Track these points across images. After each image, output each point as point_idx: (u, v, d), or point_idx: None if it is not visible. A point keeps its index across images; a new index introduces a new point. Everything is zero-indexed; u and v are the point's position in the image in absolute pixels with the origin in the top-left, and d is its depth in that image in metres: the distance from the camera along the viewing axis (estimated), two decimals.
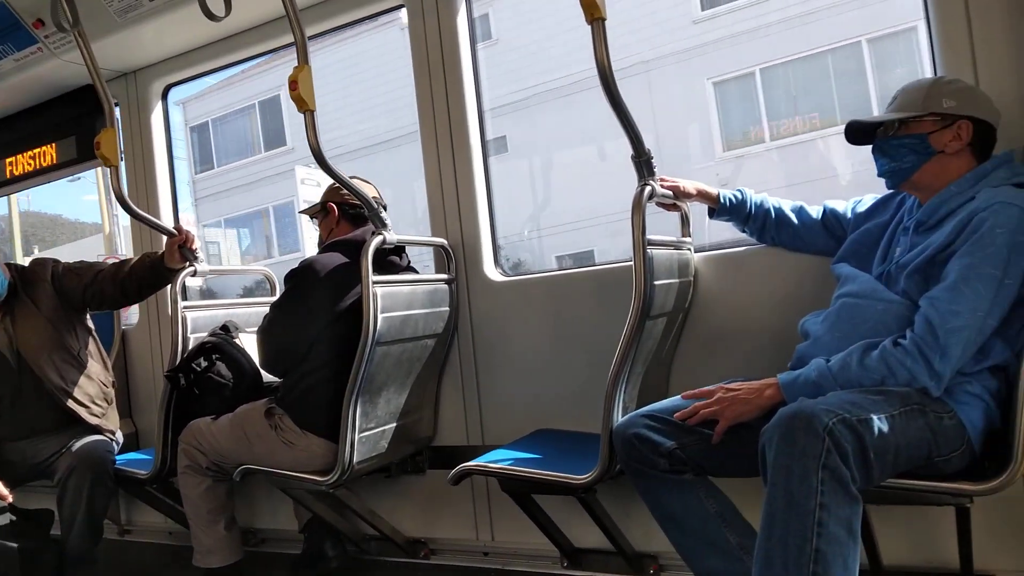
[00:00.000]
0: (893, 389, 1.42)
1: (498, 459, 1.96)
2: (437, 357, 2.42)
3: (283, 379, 2.25)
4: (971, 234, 1.41)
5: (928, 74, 1.92)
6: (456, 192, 2.49)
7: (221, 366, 2.34)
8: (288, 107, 14.41)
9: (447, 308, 2.38)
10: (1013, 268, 1.39)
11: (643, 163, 1.79)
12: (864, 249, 1.73)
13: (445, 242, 2.45)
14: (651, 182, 1.78)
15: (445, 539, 2.53)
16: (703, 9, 10.97)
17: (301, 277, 2.16)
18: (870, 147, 1.67)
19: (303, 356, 2.15)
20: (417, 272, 2.38)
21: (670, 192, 1.93)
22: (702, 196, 1.98)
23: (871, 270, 1.67)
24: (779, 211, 1.94)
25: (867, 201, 1.82)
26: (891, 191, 1.73)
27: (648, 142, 1.79)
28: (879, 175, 1.66)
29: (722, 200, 1.96)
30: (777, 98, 10.45)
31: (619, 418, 1.73)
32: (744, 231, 2.01)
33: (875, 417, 1.32)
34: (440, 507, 2.53)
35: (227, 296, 4.49)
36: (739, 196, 1.96)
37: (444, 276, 2.41)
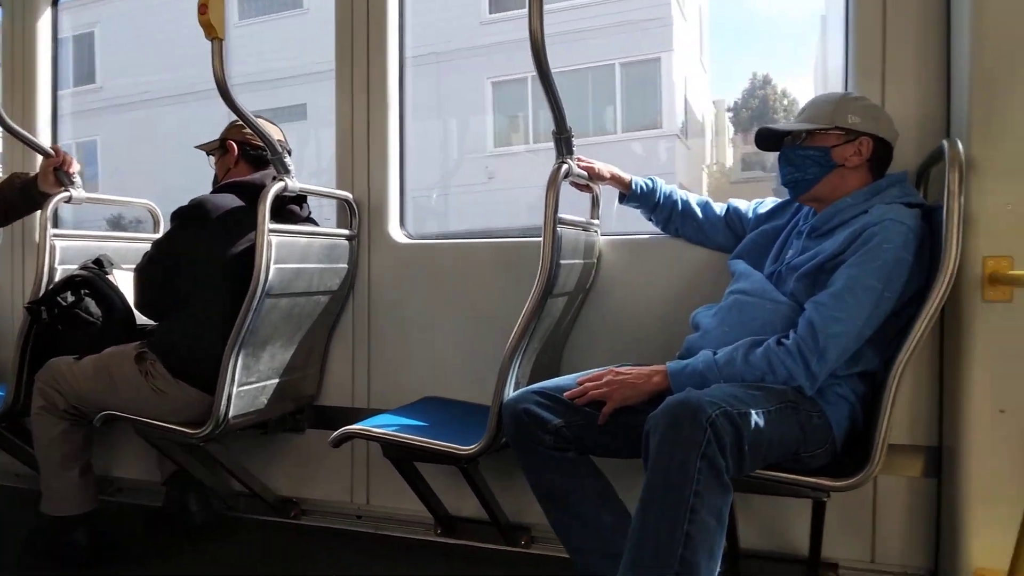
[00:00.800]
0: (772, 386, 1.49)
1: (383, 424, 1.93)
2: (329, 315, 2.34)
3: (158, 322, 2.11)
4: (861, 246, 1.49)
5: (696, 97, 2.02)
6: (367, 145, 2.39)
7: (90, 302, 2.18)
8: (102, 45, 13.94)
9: (345, 265, 2.30)
10: (894, 283, 1.48)
11: (563, 140, 1.77)
12: (759, 248, 1.81)
13: (350, 196, 2.36)
14: (568, 160, 1.77)
15: (318, 500, 2.48)
16: (491, 12, 11.80)
17: (190, 216, 2.02)
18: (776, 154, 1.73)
19: (183, 300, 2.03)
20: (317, 224, 2.28)
21: (585, 173, 1.93)
22: (615, 180, 2.00)
23: (764, 269, 1.74)
24: (686, 204, 1.98)
25: (768, 203, 1.89)
26: None
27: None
28: (782, 184, 1.72)
29: (634, 186, 1.99)
30: (543, 104, 11.38)
31: (511, 392, 1.73)
32: (651, 219, 2.04)
33: (753, 412, 1.38)
34: (316, 468, 2.47)
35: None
36: (650, 184, 1.99)
37: (345, 231, 2.33)
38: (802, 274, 1.59)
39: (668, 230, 2.03)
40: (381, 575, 2.09)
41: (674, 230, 2.02)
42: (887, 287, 1.47)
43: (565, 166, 1.75)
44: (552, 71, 1.55)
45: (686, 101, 12.21)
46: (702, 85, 14.07)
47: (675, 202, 1.98)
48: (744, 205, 1.94)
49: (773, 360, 1.50)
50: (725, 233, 1.95)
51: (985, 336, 1.60)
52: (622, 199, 2.03)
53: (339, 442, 1.92)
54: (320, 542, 2.31)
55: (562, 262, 1.76)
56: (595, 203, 2.12)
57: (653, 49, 10.90)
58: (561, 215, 1.73)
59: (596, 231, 2.09)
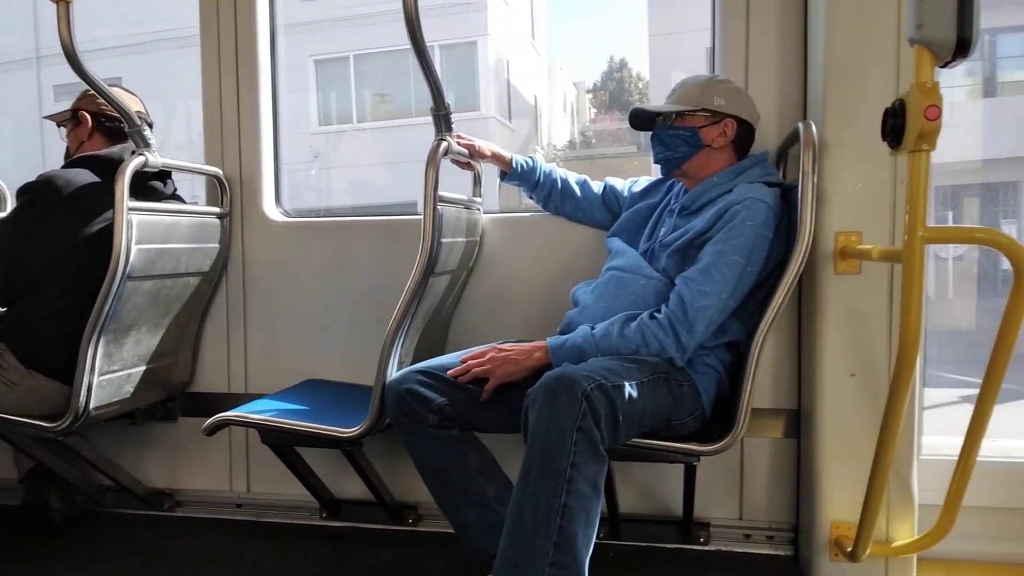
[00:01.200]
0: (645, 358, 1.55)
1: (260, 410, 1.86)
2: (200, 297, 2.22)
3: (6, 309, 1.94)
4: (725, 224, 1.57)
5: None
6: (237, 118, 2.27)
7: None
8: None
9: (216, 245, 2.19)
10: (755, 257, 1.56)
11: (441, 117, 1.75)
12: (634, 226, 1.87)
13: (220, 172, 2.24)
14: (448, 137, 1.75)
15: (194, 490, 2.37)
16: None
17: (38, 192, 1.86)
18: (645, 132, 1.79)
19: (34, 284, 1.87)
20: (184, 202, 2.15)
21: (465, 150, 1.92)
22: (496, 158, 2.00)
23: (639, 246, 1.80)
24: (565, 182, 2.01)
25: (643, 182, 1.95)
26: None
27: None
28: (655, 162, 1.79)
29: (514, 165, 2.00)
30: (367, 84, 11.81)
31: (393, 373, 1.71)
32: (531, 197, 2.06)
33: (627, 384, 1.43)
34: (192, 457, 2.36)
35: None
36: (530, 163, 2.01)
37: (216, 210, 2.21)
38: (673, 251, 1.65)
39: (548, 208, 2.06)
40: (265, 563, 2.03)
41: (554, 208, 2.05)
42: (749, 262, 1.55)
43: (444, 143, 1.73)
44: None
45: (509, 84, 12.42)
46: (536, 68, 14.36)
47: (555, 180, 2.01)
48: (620, 184, 2.00)
49: (646, 333, 1.56)
50: (602, 211, 2.00)
51: (837, 306, 1.72)
52: (503, 177, 2.04)
53: (213, 430, 1.84)
54: (198, 533, 2.21)
55: (443, 240, 1.75)
56: (477, 181, 2.11)
57: (469, 33, 11.16)
58: (441, 193, 1.72)
59: (478, 209, 2.09)
